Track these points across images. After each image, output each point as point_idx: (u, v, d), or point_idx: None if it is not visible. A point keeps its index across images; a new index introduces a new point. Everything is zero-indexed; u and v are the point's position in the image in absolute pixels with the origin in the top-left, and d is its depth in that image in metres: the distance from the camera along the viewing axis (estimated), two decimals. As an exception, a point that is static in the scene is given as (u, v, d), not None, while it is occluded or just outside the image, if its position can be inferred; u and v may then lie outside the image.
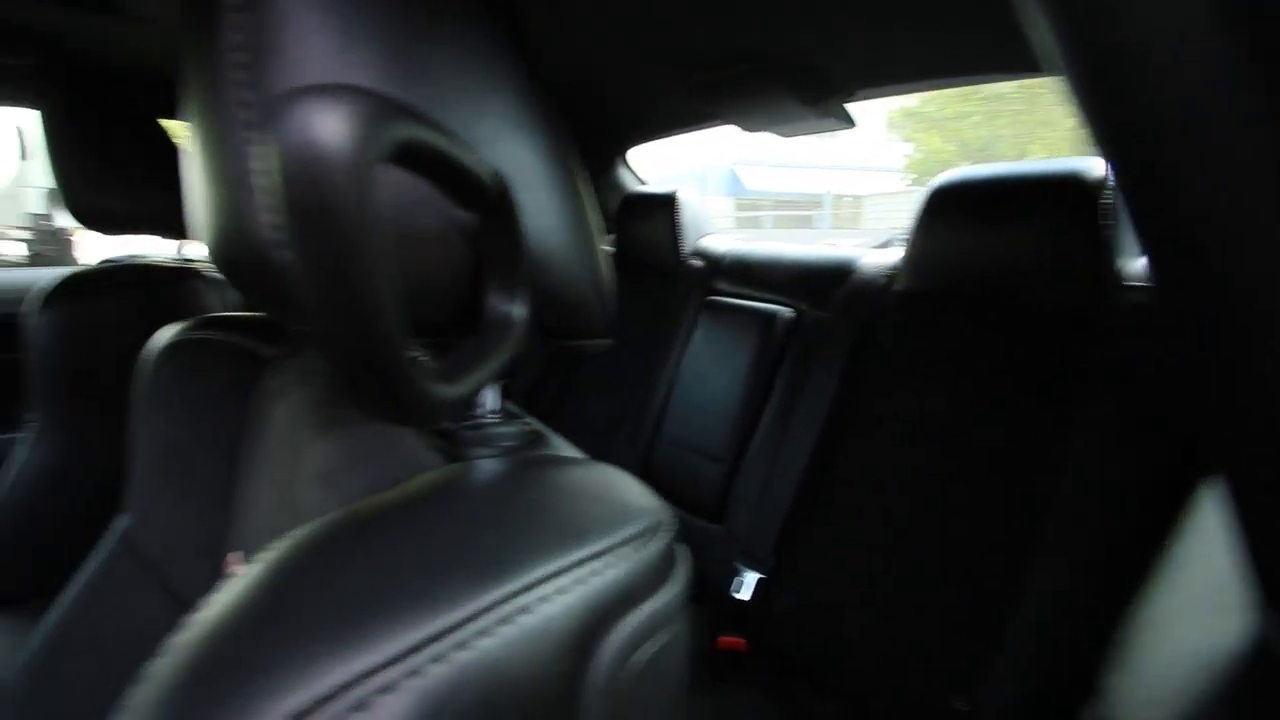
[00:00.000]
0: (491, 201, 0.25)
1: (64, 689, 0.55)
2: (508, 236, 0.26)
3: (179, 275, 0.92)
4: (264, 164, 0.22)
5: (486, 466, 0.27)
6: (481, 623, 0.18)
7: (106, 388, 0.84)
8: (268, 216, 0.23)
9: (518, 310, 0.27)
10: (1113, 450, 0.73)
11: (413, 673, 0.16)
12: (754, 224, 13.10)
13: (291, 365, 0.47)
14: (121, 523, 0.56)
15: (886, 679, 0.84)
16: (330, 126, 0.15)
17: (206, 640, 0.17)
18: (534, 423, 0.36)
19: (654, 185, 1.55)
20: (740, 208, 13.45)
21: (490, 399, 0.35)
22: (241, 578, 0.20)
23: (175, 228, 0.93)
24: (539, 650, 0.18)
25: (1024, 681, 0.73)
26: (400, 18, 0.25)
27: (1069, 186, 0.80)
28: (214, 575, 0.52)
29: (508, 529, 0.21)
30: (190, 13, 0.25)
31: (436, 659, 0.16)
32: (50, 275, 0.86)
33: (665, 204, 1.37)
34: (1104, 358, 0.77)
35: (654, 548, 0.24)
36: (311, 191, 0.15)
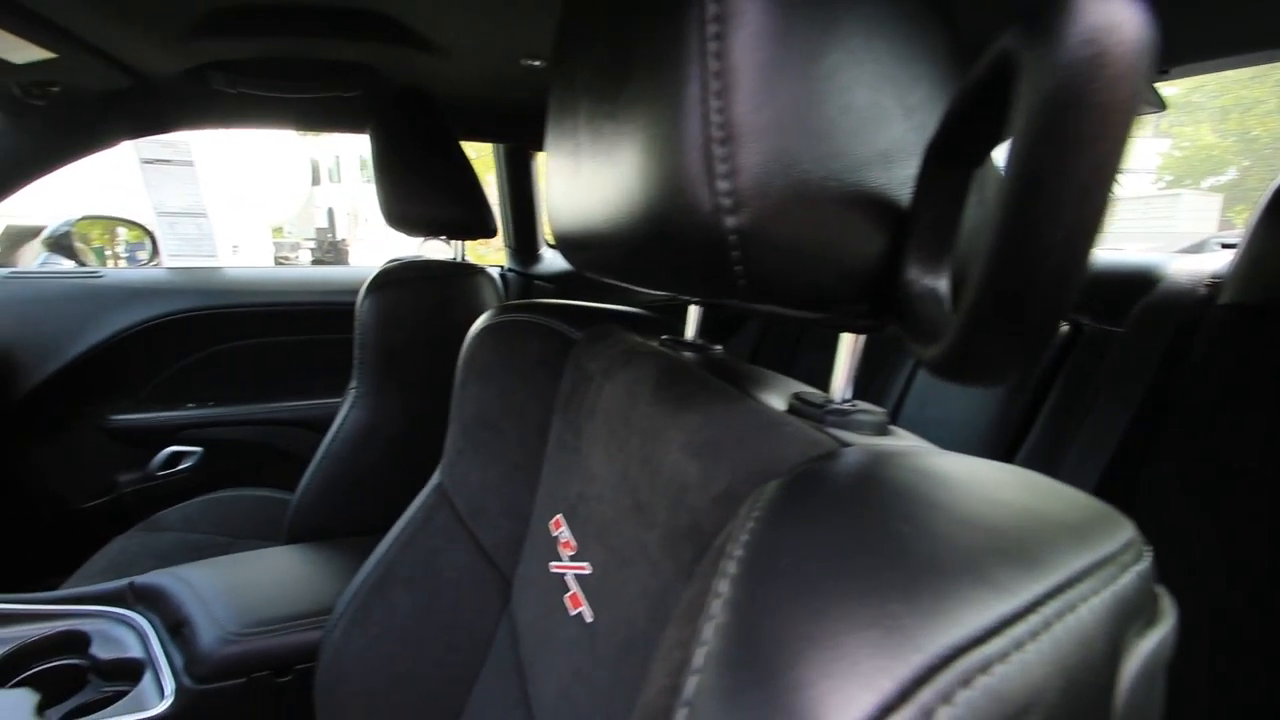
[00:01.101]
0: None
1: (385, 616, 0.63)
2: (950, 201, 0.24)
3: (465, 271, 1.05)
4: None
5: (898, 452, 0.26)
6: (1041, 615, 0.16)
7: (406, 362, 0.98)
8: (723, 184, 0.24)
9: (944, 286, 0.25)
10: None
11: (1002, 657, 0.14)
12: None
13: (604, 347, 0.50)
14: (439, 476, 0.63)
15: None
16: (1133, 22, 0.14)
17: (754, 635, 0.17)
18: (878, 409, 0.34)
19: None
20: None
21: (846, 383, 0.34)
22: (744, 566, 0.19)
23: (463, 230, 1.06)
24: (1086, 654, 0.16)
25: None
26: None
27: None
28: (518, 535, 0.57)
29: (1005, 518, 0.19)
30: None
31: (1018, 645, 0.15)
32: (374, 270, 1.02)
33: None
34: None
35: (1146, 561, 0.20)
36: (1103, 91, 0.14)
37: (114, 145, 1.38)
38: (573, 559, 0.42)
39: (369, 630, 0.63)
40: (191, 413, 1.58)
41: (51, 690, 0.74)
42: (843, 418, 0.31)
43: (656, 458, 0.35)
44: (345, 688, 0.64)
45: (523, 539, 0.57)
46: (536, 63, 1.14)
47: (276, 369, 1.63)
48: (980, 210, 0.26)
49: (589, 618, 0.38)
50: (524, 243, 1.76)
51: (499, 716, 0.49)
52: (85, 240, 1.71)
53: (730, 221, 0.24)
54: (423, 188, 1.01)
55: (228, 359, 1.60)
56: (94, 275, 1.54)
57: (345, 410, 0.96)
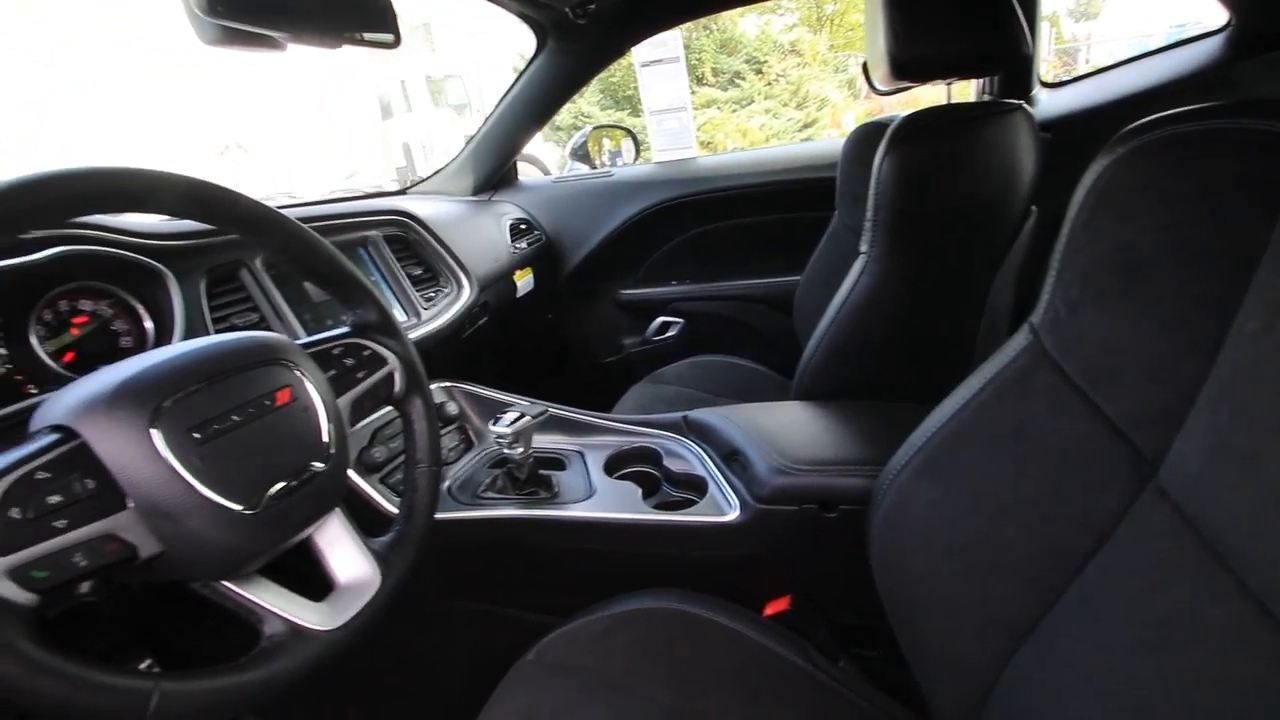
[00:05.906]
0: None
1: (958, 473, 0.60)
2: None
3: (999, 110, 0.91)
4: None
5: None
6: None
7: (928, 219, 0.91)
8: None
9: None
10: None
11: None
12: None
13: None
14: (1030, 334, 0.56)
15: None
16: None
17: None
18: None
19: None
20: None
21: None
22: None
23: (988, 63, 0.91)
24: None
25: None
26: None
27: None
28: (1170, 403, 0.47)
29: None
30: None
31: None
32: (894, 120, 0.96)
33: None
34: None
35: None
36: None
37: (623, 54, 1.60)
38: None
39: (938, 485, 0.62)
40: (675, 289, 1.85)
41: (642, 487, 0.96)
42: None
43: None
44: (906, 533, 0.65)
45: (1179, 408, 0.46)
46: None
47: (742, 250, 1.78)
48: None
49: None
50: (1015, 77, 1.42)
51: (1201, 625, 0.42)
52: (592, 148, 2.09)
53: None
54: (930, 26, 0.87)
55: (703, 241, 1.81)
56: (606, 175, 1.88)
57: (855, 276, 0.95)
